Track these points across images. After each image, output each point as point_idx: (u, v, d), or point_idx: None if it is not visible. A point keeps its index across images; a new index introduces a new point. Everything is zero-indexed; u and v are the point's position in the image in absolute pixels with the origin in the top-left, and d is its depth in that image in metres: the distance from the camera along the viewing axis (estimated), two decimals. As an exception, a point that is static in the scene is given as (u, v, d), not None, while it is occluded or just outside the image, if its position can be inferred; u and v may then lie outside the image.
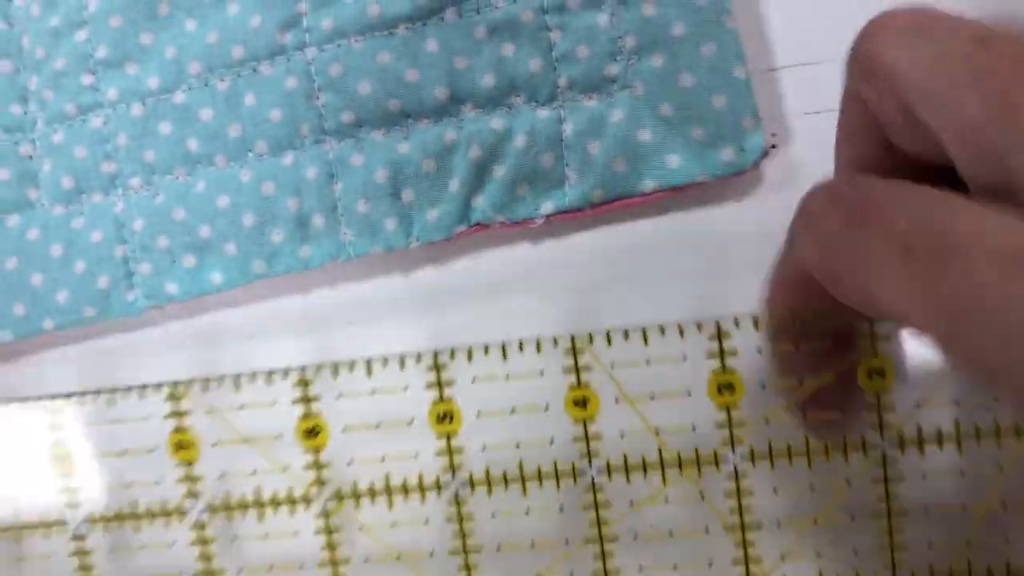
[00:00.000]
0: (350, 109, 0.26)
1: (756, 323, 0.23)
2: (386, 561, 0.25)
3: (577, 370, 0.24)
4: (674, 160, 0.25)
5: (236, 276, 0.27)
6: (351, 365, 0.25)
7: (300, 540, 0.26)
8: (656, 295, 0.25)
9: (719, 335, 0.23)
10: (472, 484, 0.25)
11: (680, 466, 0.23)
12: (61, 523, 0.27)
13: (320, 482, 0.25)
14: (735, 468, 0.23)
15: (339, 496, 0.25)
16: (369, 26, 0.26)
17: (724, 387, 0.23)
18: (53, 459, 0.27)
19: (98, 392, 0.27)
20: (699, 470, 0.23)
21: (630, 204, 0.25)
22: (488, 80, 0.26)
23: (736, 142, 0.25)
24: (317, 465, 0.26)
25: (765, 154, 0.25)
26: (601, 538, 0.24)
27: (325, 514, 0.26)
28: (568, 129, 0.25)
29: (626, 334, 0.24)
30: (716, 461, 0.23)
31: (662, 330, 0.24)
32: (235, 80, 0.27)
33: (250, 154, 0.27)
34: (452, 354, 0.25)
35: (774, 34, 0.26)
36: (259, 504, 0.26)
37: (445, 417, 0.25)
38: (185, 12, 0.27)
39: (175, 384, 0.27)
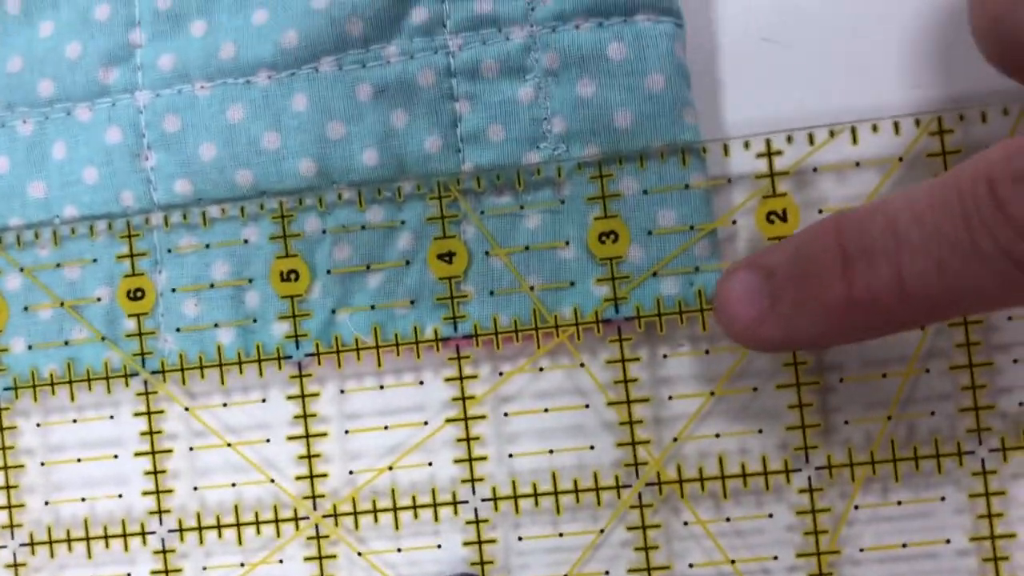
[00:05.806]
0: (187, 177, 0.20)
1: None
2: None
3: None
4: (600, 290, 0.19)
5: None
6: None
7: None
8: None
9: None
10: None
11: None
12: None
13: None
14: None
15: None
16: (219, 71, 0.20)
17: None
18: None
19: None
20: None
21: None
22: (370, 157, 0.19)
23: (686, 268, 0.19)
24: None
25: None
26: None
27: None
28: (469, 232, 0.19)
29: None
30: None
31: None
32: (42, 124, 0.20)
33: (56, 220, 0.21)
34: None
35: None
36: None
37: None
38: None
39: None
